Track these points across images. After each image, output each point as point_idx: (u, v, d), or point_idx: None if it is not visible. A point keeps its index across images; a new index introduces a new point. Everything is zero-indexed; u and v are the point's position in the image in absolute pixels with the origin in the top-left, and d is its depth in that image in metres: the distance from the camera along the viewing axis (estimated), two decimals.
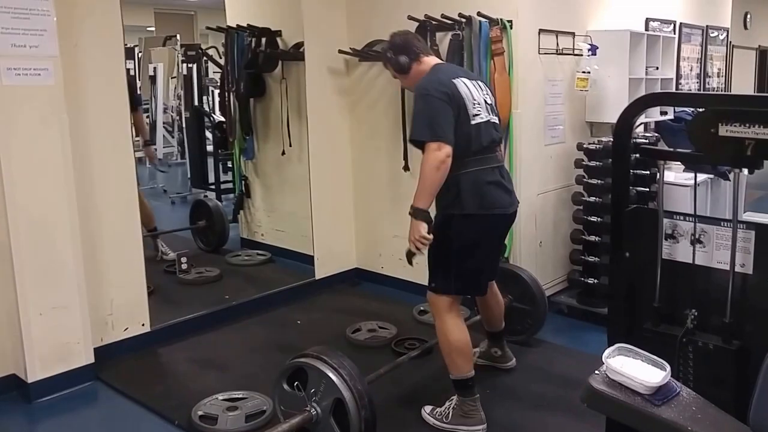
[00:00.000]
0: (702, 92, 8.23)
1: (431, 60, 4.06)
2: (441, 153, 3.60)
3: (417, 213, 3.68)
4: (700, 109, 6.28)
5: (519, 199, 5.26)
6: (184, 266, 6.45)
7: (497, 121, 4.06)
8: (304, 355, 3.66)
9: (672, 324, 3.26)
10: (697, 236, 3.15)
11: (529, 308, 4.99)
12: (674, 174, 5.88)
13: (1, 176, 4.05)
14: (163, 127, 11.73)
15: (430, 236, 3.73)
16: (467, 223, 3.84)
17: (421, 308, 5.57)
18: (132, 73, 12.08)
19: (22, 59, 4.04)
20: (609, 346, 3.30)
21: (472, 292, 4.41)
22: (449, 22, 5.32)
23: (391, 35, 4.13)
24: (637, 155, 5.09)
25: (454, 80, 3.83)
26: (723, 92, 9.37)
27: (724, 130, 2.81)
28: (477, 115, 3.83)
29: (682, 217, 3.20)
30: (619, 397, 2.60)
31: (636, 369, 2.68)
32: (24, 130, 4.11)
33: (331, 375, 3.50)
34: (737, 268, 3.02)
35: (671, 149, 3.51)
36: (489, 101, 4.00)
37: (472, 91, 3.86)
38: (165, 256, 6.80)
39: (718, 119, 2.82)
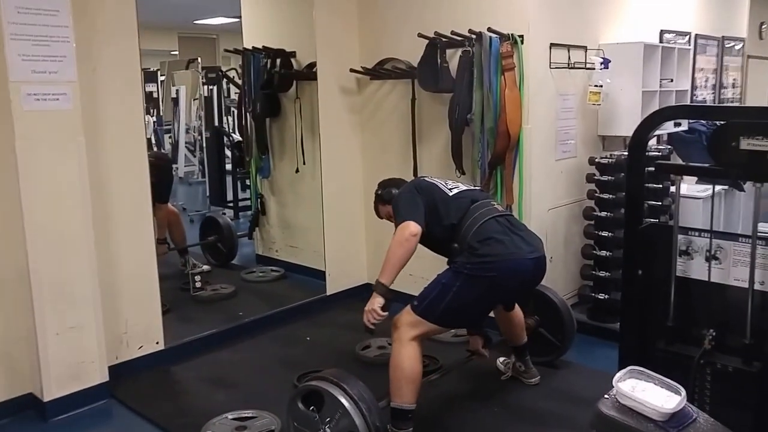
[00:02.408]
0: (721, 105, 7.98)
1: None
2: (406, 231, 3.72)
3: (377, 286, 3.78)
4: (718, 122, 6.17)
5: (530, 215, 5.11)
6: (198, 284, 6.35)
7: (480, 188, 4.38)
8: (324, 378, 3.51)
9: (687, 344, 3.05)
10: (713, 252, 2.93)
11: (556, 342, 4.79)
12: (686, 186, 5.65)
13: (21, 199, 4.00)
14: (186, 147, 11.73)
15: (385, 313, 3.76)
16: (476, 278, 3.65)
17: None
18: (155, 95, 12.19)
19: (42, 85, 4.02)
20: (620, 366, 3.10)
21: (459, 327, 4.37)
22: (459, 38, 5.17)
23: (380, 182, 4.49)
24: (651, 168, 4.86)
25: (421, 177, 4.26)
26: (741, 104, 9.11)
27: (745, 144, 2.61)
28: (454, 188, 4.03)
29: (697, 233, 2.98)
30: (630, 423, 2.40)
31: (649, 393, 2.46)
32: (42, 153, 4.07)
33: (348, 407, 3.35)
34: (756, 286, 2.79)
35: (687, 163, 3.28)
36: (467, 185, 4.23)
37: (444, 180, 4.12)
38: (195, 269, 6.65)
39: (739, 132, 2.61)
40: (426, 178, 4.17)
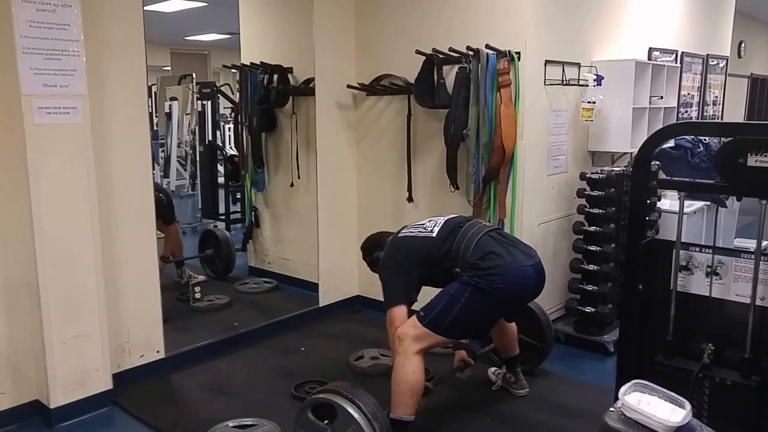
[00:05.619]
0: (728, 122, 7.96)
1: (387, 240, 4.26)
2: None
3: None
4: (704, 138, 6.16)
5: (521, 229, 5.10)
6: (197, 295, 6.34)
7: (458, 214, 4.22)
8: (337, 392, 3.46)
9: (686, 358, 3.03)
10: (713, 268, 2.92)
11: (536, 343, 4.78)
12: (669, 201, 5.66)
13: (31, 211, 4.00)
14: (177, 161, 11.71)
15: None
16: (483, 290, 3.62)
17: None
18: (149, 110, 12.15)
19: (52, 98, 4.00)
20: (618, 379, 3.07)
21: (464, 338, 4.30)
22: (456, 55, 5.15)
23: (361, 246, 4.54)
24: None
25: (400, 235, 4.08)
26: (753, 122, 9.10)
27: (753, 161, 2.58)
28: (434, 226, 3.97)
29: (698, 249, 2.96)
30: None
31: (654, 407, 2.43)
32: (52, 166, 4.06)
33: (362, 423, 3.32)
34: (757, 302, 2.78)
35: (689, 180, 3.24)
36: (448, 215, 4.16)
37: (422, 224, 4.06)
38: (192, 280, 6.63)
39: (747, 149, 2.59)
40: (406, 234, 4.06)
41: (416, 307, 3.81)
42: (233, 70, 7.73)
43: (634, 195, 3.12)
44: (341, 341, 5.60)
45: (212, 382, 4.88)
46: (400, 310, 3.80)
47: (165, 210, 6.55)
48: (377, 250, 4.26)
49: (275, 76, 6.80)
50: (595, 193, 5.29)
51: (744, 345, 2.82)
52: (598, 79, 5.50)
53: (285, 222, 7.24)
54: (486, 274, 3.59)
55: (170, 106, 11.62)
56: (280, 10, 7.10)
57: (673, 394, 2.49)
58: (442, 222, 3.96)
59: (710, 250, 2.96)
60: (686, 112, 7.92)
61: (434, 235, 3.87)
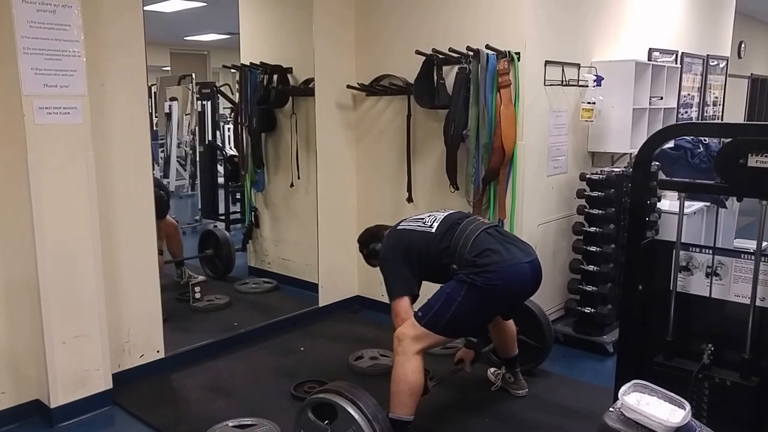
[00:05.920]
0: (728, 122, 7.96)
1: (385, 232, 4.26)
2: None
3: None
4: (704, 139, 6.16)
5: (521, 230, 5.10)
6: (197, 295, 6.35)
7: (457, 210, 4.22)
8: (338, 392, 3.47)
9: (685, 359, 3.03)
10: (713, 269, 2.91)
11: (536, 344, 4.79)
12: (669, 202, 5.65)
13: (32, 211, 4.00)
14: (177, 161, 11.72)
15: None
16: (479, 288, 3.61)
17: None
18: (149, 110, 12.18)
19: (53, 98, 4.01)
20: (618, 379, 3.07)
21: (462, 337, 4.33)
22: (456, 55, 5.15)
23: (358, 238, 4.52)
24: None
25: (398, 228, 4.08)
26: (753, 122, 9.06)
27: (753, 161, 2.58)
28: (434, 221, 3.95)
29: (698, 249, 2.96)
30: None
31: (653, 407, 2.43)
32: (53, 166, 4.06)
33: (363, 424, 3.32)
34: (757, 302, 2.77)
35: (689, 180, 3.24)
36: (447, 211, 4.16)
37: (421, 218, 4.05)
38: (192, 280, 6.67)
39: (747, 150, 2.58)
40: (405, 227, 4.06)
41: (415, 307, 3.80)
42: (233, 71, 7.72)
43: (634, 195, 3.12)
44: (341, 341, 5.59)
45: (212, 382, 4.88)
46: (404, 302, 3.78)
47: (163, 207, 6.56)
48: (374, 242, 4.26)
49: (275, 76, 6.80)
50: (595, 193, 5.29)
51: (744, 345, 2.83)
52: (598, 80, 5.50)
53: (285, 222, 7.24)
54: (483, 271, 3.59)
55: (170, 106, 11.64)
56: (279, 10, 7.09)
57: (672, 394, 2.48)
58: (441, 217, 3.96)
59: (710, 251, 2.97)
60: (686, 112, 7.91)
61: (433, 230, 3.86)
